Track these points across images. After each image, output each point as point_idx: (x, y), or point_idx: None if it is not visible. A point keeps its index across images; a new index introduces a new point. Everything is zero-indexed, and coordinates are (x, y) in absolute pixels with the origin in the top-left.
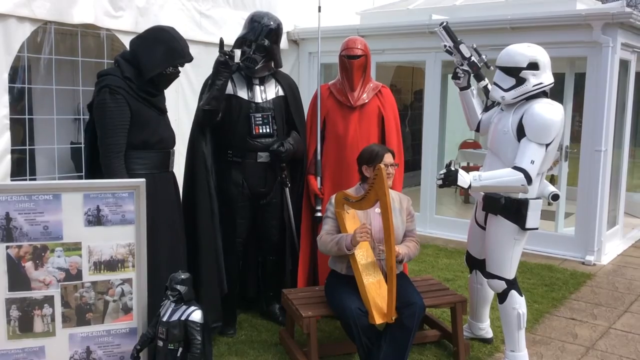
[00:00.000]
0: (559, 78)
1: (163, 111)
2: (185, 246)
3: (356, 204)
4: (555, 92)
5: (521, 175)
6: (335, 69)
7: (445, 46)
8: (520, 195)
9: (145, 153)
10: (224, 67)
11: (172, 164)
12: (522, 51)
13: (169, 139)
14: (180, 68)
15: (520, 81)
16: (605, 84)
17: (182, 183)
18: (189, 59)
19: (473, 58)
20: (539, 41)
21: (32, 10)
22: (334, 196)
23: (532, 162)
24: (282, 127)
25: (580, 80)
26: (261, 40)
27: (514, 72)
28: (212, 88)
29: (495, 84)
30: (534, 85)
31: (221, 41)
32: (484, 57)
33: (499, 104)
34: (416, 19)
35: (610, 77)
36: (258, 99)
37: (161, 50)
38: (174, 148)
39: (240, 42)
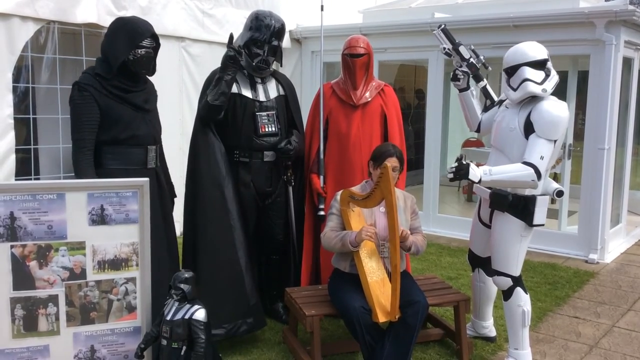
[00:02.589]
0: (562, 76)
1: (141, 108)
2: (172, 245)
3: (361, 202)
4: (558, 90)
5: (531, 170)
6: (337, 68)
7: (444, 49)
8: (527, 192)
9: (116, 148)
10: (232, 62)
11: (152, 161)
12: (539, 45)
13: (146, 137)
14: (150, 50)
15: (548, 72)
16: (608, 82)
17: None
18: (149, 34)
19: (472, 59)
20: (542, 39)
21: (35, 10)
22: (339, 193)
23: (542, 157)
24: (285, 126)
25: (583, 78)
26: (273, 41)
27: (543, 65)
28: (219, 83)
29: (528, 79)
30: (556, 75)
31: (231, 36)
32: (481, 57)
33: (499, 103)
34: (418, 17)
35: (613, 75)
36: (262, 98)
37: (122, 37)
38: (155, 146)
39: (249, 43)
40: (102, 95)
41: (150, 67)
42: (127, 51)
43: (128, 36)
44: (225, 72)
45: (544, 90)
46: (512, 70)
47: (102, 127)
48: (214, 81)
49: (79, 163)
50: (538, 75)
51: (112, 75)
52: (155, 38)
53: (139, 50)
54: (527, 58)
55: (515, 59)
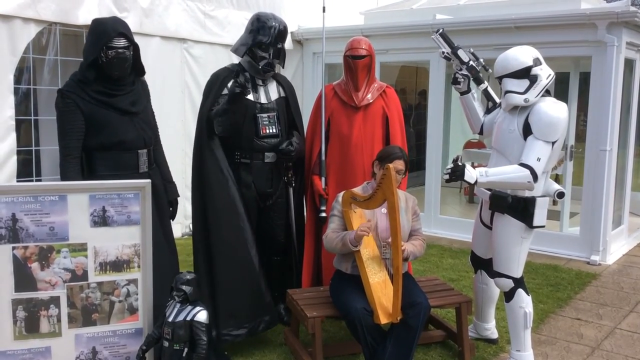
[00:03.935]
0: (563, 77)
1: (127, 112)
2: (169, 246)
3: (363, 203)
4: (560, 92)
5: (527, 171)
6: (339, 69)
7: (442, 52)
8: (527, 193)
9: (106, 154)
10: (239, 97)
11: (144, 165)
12: (522, 52)
13: (135, 140)
14: (123, 50)
15: (533, 79)
16: (610, 84)
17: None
18: (115, 34)
19: (471, 62)
20: (544, 40)
21: (37, 11)
22: (340, 194)
23: (539, 159)
24: (285, 128)
25: (584, 79)
26: (278, 43)
27: (525, 73)
28: (227, 114)
29: (509, 91)
30: (546, 78)
31: (237, 72)
32: (481, 60)
33: (500, 105)
34: (420, 19)
35: (615, 76)
36: (263, 100)
37: (91, 38)
38: (146, 149)
39: (253, 47)
40: (85, 101)
41: (125, 68)
42: (94, 53)
43: (96, 37)
44: (234, 105)
45: (526, 100)
46: (499, 81)
47: (89, 134)
48: (220, 110)
49: (64, 171)
50: (520, 85)
51: (92, 79)
52: (127, 38)
53: (110, 52)
54: (508, 70)
55: (497, 71)
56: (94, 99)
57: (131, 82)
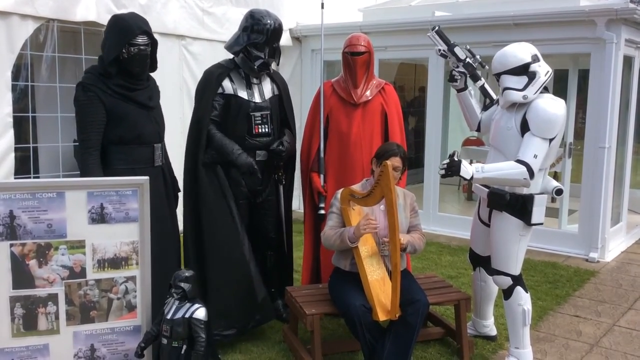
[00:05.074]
0: (562, 74)
1: (145, 106)
2: (177, 241)
3: (362, 201)
4: (558, 89)
5: (524, 168)
6: (338, 66)
7: (439, 50)
8: (525, 191)
9: (123, 148)
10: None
11: (159, 159)
12: (520, 48)
13: (152, 134)
14: (144, 47)
15: (532, 75)
16: (609, 81)
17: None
18: (139, 32)
19: (468, 59)
20: (543, 37)
21: (35, 8)
22: (339, 192)
23: (535, 156)
24: (277, 126)
25: (583, 76)
26: (274, 43)
27: (523, 70)
28: (232, 160)
29: (508, 88)
30: (545, 75)
31: (253, 171)
32: (478, 57)
33: (498, 101)
34: (419, 16)
35: (614, 73)
36: (257, 99)
37: (113, 35)
38: (160, 143)
39: (248, 46)
40: (107, 94)
41: (145, 65)
42: (117, 49)
43: (118, 34)
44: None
45: (525, 97)
46: (496, 77)
47: (109, 127)
48: (230, 152)
49: (85, 163)
50: (519, 81)
51: (114, 74)
52: (149, 35)
53: (132, 49)
54: (506, 66)
55: (495, 67)
56: (116, 93)
57: (147, 77)
